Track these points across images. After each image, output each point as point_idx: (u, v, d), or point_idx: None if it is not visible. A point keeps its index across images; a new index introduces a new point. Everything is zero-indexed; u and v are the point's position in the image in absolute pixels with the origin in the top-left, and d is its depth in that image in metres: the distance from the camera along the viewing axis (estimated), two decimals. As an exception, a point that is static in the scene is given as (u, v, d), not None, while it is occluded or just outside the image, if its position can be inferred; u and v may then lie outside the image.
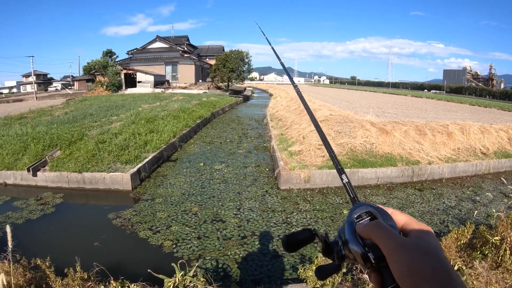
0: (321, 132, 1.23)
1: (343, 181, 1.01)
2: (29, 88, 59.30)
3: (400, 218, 0.80)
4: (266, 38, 2.30)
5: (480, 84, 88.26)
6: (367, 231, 0.77)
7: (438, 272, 0.64)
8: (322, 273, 0.91)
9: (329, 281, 4.27)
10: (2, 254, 4.39)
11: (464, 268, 4.42)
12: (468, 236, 5.34)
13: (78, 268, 4.20)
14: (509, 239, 4.90)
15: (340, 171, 1.05)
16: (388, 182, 10.51)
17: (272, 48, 2.15)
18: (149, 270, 4.28)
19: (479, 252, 5.03)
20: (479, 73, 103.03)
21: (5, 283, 3.57)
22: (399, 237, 0.72)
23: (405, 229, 0.78)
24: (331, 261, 0.89)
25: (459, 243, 5.25)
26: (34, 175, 10.00)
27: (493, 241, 4.95)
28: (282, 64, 1.96)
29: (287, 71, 1.91)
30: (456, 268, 4.38)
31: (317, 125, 1.27)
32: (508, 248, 4.78)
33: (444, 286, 0.62)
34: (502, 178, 8.67)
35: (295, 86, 1.69)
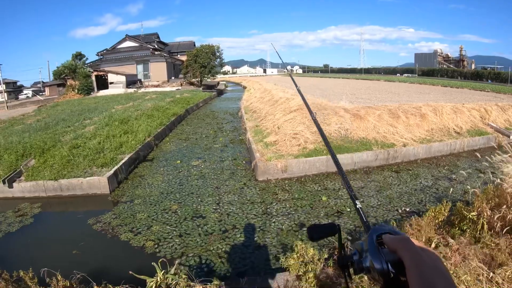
0: (326, 138, 1.30)
1: (357, 206, 1.14)
2: (-2, 98, 57.86)
3: (416, 243, 0.86)
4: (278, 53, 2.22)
5: (452, 66, 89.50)
6: (395, 242, 0.84)
7: None
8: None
9: (311, 268, 4.32)
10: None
11: (441, 245, 4.52)
12: (446, 214, 5.48)
13: (59, 277, 4.17)
14: (485, 213, 5.05)
15: (353, 198, 1.19)
16: (364, 166, 10.64)
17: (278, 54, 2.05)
18: (130, 272, 4.27)
19: (457, 228, 5.16)
20: (450, 55, 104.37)
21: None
22: (423, 254, 0.81)
23: None
24: (342, 276, 1.02)
25: (437, 221, 5.38)
26: (10, 186, 9.78)
27: (470, 216, 5.09)
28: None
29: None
30: (433, 245, 4.48)
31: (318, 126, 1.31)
32: (485, 223, 4.91)
33: None
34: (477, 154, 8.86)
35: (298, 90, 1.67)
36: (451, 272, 3.68)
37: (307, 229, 1.12)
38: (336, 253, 5.02)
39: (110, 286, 4.16)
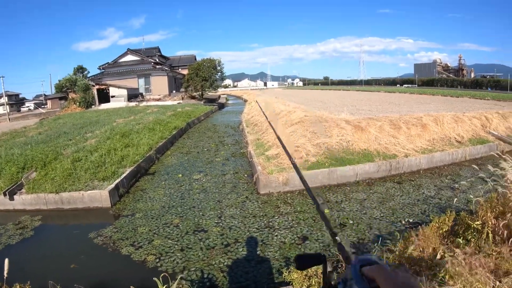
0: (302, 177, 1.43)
1: (337, 241, 1.23)
2: (1, 110, 57.81)
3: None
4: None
5: (451, 75, 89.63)
6: (372, 272, 0.97)
7: None
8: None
9: (314, 281, 4.27)
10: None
11: (446, 255, 4.46)
12: (450, 224, 5.44)
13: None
14: (490, 222, 5.00)
15: (333, 234, 1.28)
16: (367, 177, 10.60)
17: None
18: (131, 287, 4.23)
19: (462, 238, 5.11)
20: (449, 65, 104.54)
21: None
22: (394, 278, 0.93)
23: None
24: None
25: (441, 231, 5.35)
26: (11, 199, 9.76)
27: (475, 226, 5.05)
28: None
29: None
30: (439, 256, 4.43)
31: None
32: (490, 232, 4.86)
33: None
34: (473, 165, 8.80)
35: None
36: (460, 281, 3.65)
37: (294, 258, 1.27)
38: (341, 265, 4.98)
39: (111, 301, 4.12)
